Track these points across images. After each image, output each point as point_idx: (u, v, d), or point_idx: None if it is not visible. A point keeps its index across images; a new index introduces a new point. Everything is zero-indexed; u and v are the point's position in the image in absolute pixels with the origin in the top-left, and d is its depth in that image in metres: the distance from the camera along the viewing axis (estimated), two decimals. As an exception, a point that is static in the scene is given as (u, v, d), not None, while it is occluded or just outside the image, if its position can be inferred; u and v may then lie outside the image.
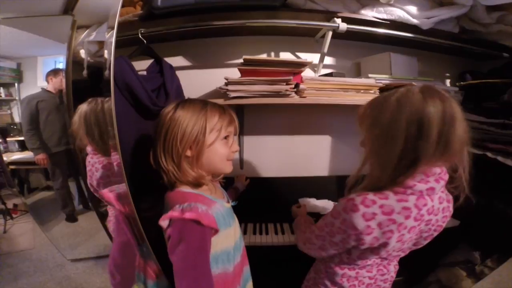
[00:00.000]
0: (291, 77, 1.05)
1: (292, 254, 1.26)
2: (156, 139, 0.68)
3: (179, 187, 0.67)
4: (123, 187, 0.69)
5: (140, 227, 0.71)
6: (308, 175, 1.43)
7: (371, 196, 0.60)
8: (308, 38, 1.36)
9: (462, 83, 1.30)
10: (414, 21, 1.15)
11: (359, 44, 1.37)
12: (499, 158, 1.03)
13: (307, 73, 1.38)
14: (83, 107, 1.05)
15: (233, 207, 1.01)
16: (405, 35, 1.15)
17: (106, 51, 0.72)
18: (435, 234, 0.69)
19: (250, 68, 1.07)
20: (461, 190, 0.63)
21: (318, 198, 1.35)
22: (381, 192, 0.60)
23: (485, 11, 1.12)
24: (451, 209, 0.67)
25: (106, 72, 0.69)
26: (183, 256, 0.57)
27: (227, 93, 1.01)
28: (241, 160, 1.37)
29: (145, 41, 1.03)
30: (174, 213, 0.58)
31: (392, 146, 0.58)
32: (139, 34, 1.03)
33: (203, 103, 0.69)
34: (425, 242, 0.70)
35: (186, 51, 1.31)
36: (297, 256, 1.23)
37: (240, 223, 1.27)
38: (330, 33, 1.19)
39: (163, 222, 0.59)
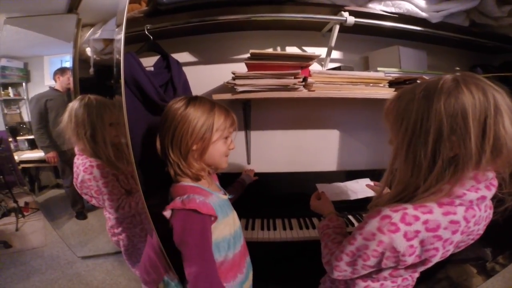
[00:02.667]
0: (299, 71, 1.04)
1: (301, 250, 1.26)
2: (165, 132, 0.72)
3: (181, 181, 0.73)
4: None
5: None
6: (316, 170, 1.42)
7: (411, 210, 0.50)
8: (314, 32, 1.34)
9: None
10: (423, 14, 1.13)
11: (367, 38, 1.35)
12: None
13: (314, 67, 1.37)
14: (74, 105, 1.03)
15: (242, 202, 1.04)
16: (414, 28, 1.14)
17: (114, 48, 0.72)
18: (471, 242, 0.62)
19: (257, 62, 1.06)
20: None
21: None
22: (422, 204, 0.51)
23: (496, 5, 1.10)
24: (491, 215, 0.60)
25: (116, 69, 0.69)
26: (188, 244, 0.65)
27: (235, 87, 1.00)
28: (248, 155, 1.37)
29: (151, 37, 1.03)
30: (176, 204, 0.65)
31: (421, 143, 0.50)
32: (146, 31, 1.02)
33: (211, 104, 0.74)
34: (458, 250, 0.63)
35: (192, 47, 1.30)
36: (306, 252, 1.23)
37: (247, 219, 1.29)
38: (337, 27, 1.18)
39: (166, 213, 0.66)
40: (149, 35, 1.03)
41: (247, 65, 1.08)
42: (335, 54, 1.38)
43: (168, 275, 0.81)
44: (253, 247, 0.90)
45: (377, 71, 1.14)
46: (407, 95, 0.55)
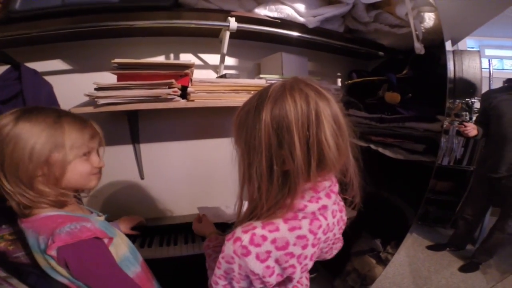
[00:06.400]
0: (173, 80, 0.99)
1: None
2: None
3: (38, 213, 0.58)
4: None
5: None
6: (216, 181, 1.38)
7: (259, 230, 0.48)
8: (212, 38, 1.31)
9: (349, 81, 1.35)
10: (301, 19, 1.15)
11: (261, 45, 1.35)
12: (380, 150, 1.08)
13: (209, 75, 1.34)
14: None
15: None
16: (292, 34, 1.15)
17: None
18: (334, 246, 0.66)
19: (126, 72, 0.99)
20: (355, 197, 0.57)
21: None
22: (270, 221, 0.49)
23: (365, 10, 1.14)
24: (345, 217, 0.62)
25: None
26: (100, 278, 0.58)
27: (95, 100, 0.91)
28: (140, 170, 1.28)
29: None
30: (62, 239, 0.53)
31: (256, 159, 0.47)
32: (-14, 39, 0.89)
33: (57, 114, 0.59)
34: (328, 256, 0.67)
35: (67, 54, 1.16)
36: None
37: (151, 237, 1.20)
38: (228, 33, 1.16)
39: (53, 252, 0.53)
40: (-10, 42, 0.90)
41: (115, 75, 1.01)
42: (232, 61, 1.37)
43: None
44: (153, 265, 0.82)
45: (260, 78, 1.15)
46: (247, 105, 0.52)
